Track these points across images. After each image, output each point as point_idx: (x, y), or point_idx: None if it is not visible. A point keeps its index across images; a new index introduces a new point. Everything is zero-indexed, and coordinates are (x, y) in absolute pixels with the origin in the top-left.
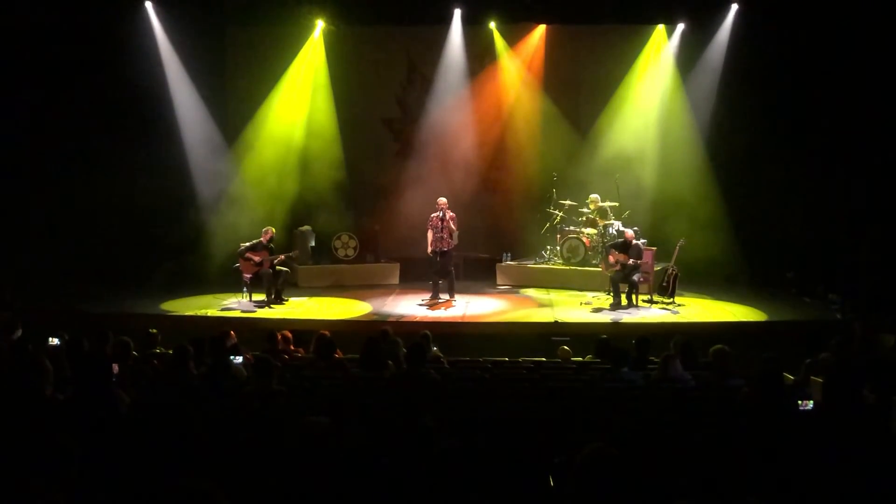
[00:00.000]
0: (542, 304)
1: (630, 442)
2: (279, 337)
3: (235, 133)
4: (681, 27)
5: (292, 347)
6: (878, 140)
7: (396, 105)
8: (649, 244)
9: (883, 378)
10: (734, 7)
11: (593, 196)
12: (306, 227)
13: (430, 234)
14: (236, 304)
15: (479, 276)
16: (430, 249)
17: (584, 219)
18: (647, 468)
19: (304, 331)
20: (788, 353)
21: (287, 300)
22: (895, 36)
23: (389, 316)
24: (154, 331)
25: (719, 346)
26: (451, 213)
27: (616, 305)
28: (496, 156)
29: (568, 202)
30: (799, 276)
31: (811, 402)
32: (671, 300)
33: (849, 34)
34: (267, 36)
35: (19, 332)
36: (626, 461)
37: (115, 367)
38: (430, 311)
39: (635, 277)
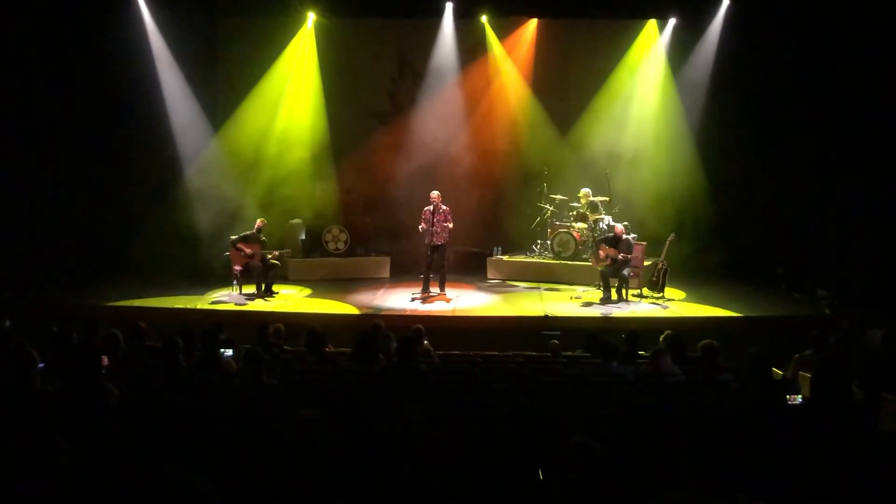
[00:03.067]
0: (532, 299)
1: (619, 436)
2: (271, 330)
3: (226, 124)
4: (672, 22)
5: (282, 342)
6: (869, 135)
7: (387, 98)
8: (639, 239)
9: (871, 374)
10: (725, 2)
11: (584, 190)
12: (297, 220)
13: (422, 227)
14: (227, 297)
15: (470, 270)
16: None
17: (574, 213)
18: (635, 461)
19: (295, 324)
20: (777, 349)
21: (277, 293)
22: (885, 28)
23: (381, 309)
24: (142, 324)
25: (707, 340)
26: (445, 208)
27: (606, 300)
28: (487, 150)
29: (559, 196)
30: (788, 271)
31: (799, 397)
32: (661, 295)
33: (840, 28)
34: (258, 28)
35: (7, 324)
36: (607, 455)
37: (105, 360)
38: (421, 304)
39: (625, 272)
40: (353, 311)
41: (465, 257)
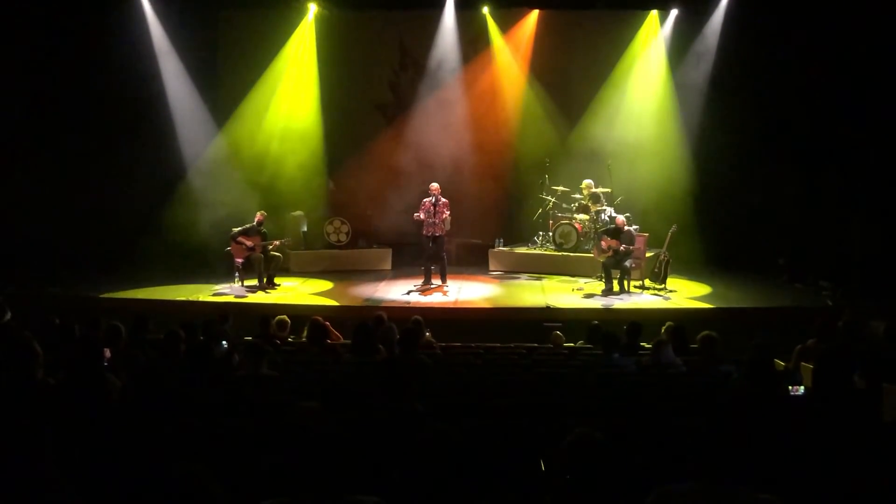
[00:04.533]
0: (534, 290)
1: (621, 427)
2: (273, 322)
3: (227, 117)
4: (674, 13)
5: (285, 334)
6: (872, 126)
7: (389, 90)
8: (641, 230)
9: (873, 364)
10: None
11: (586, 182)
12: (299, 212)
13: (421, 216)
14: (228, 290)
15: (472, 261)
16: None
17: (576, 205)
18: (638, 453)
19: (297, 316)
20: (780, 340)
21: (279, 285)
22: (888, 21)
23: (382, 301)
24: (146, 316)
25: (707, 332)
26: (444, 200)
27: (608, 291)
28: (489, 141)
29: (560, 188)
30: (790, 262)
31: (802, 387)
32: (663, 286)
33: (842, 20)
34: (260, 20)
35: (8, 316)
36: (610, 446)
37: (107, 352)
38: (422, 296)
39: (627, 263)
40: (356, 302)
41: (466, 249)
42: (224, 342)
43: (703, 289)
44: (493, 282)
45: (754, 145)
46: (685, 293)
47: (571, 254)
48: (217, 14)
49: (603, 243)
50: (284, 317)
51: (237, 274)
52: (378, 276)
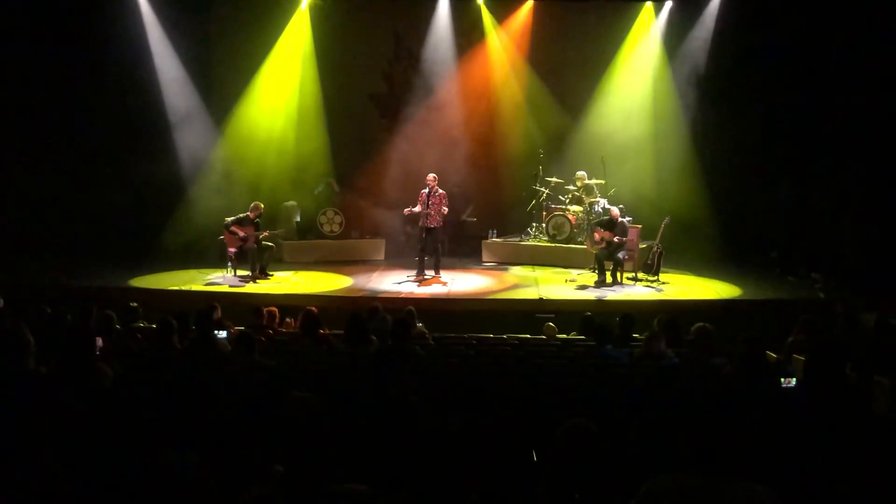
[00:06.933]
0: (527, 282)
1: (613, 418)
2: (265, 312)
3: (221, 107)
4: (669, 4)
5: (277, 323)
6: (865, 119)
7: (383, 80)
8: (634, 222)
9: (864, 357)
10: None
11: (579, 173)
12: (292, 203)
13: (418, 208)
14: (221, 279)
15: (465, 252)
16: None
17: (569, 196)
18: (628, 444)
19: (290, 307)
20: (771, 332)
21: (272, 275)
22: (884, 15)
23: (375, 292)
24: (135, 304)
25: (701, 323)
26: (442, 192)
27: (601, 283)
28: (483, 132)
29: (554, 179)
30: (782, 255)
31: (793, 380)
32: (655, 278)
33: (837, 13)
34: (253, 9)
35: (0, 304)
36: (603, 437)
37: (99, 341)
38: (415, 287)
39: (620, 255)
40: (349, 293)
41: (460, 240)
42: (222, 332)
43: (694, 280)
44: (487, 273)
45: (747, 137)
46: (677, 285)
47: (565, 245)
48: (210, 2)
49: (596, 235)
50: (273, 308)
51: (230, 263)
52: (371, 266)
